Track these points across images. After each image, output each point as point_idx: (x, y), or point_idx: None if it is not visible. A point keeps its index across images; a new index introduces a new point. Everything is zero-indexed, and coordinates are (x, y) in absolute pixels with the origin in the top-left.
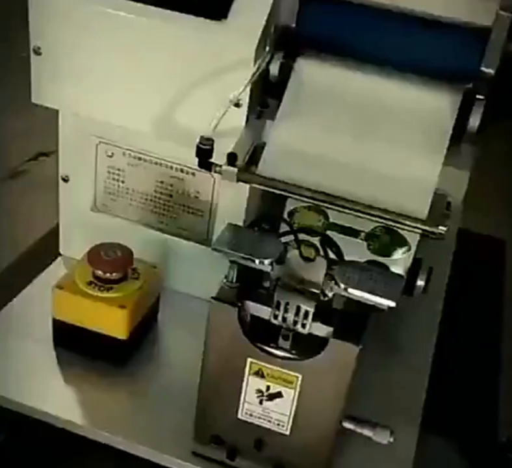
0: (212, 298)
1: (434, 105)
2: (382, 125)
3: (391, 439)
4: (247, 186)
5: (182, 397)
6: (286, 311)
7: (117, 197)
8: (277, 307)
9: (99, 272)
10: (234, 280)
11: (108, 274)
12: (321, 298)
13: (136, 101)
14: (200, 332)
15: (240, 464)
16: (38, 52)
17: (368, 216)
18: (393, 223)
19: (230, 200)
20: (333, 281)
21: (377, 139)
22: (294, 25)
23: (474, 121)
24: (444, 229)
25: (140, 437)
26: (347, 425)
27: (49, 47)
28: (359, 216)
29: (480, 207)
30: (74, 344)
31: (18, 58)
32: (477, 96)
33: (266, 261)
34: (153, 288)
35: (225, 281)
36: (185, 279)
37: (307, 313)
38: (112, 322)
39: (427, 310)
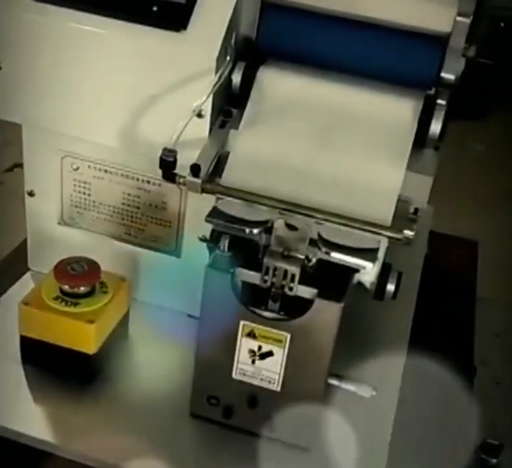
0: (208, 265)
1: (396, 111)
2: (345, 132)
3: (374, 393)
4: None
5: (153, 411)
6: (274, 275)
7: (84, 210)
8: (266, 272)
9: (66, 287)
10: (226, 250)
11: (75, 289)
12: (306, 262)
13: (98, 113)
14: (171, 344)
15: (235, 422)
16: None
17: (333, 224)
18: (358, 231)
19: (198, 210)
20: (316, 247)
21: (340, 146)
22: (254, 35)
23: (436, 127)
24: (411, 233)
25: (110, 453)
26: (333, 381)
27: (9, 62)
28: (324, 224)
29: (453, 208)
30: (42, 361)
31: None
32: (439, 102)
33: (255, 230)
34: (122, 302)
35: (217, 251)
36: (155, 290)
37: (293, 277)
38: (80, 337)
39: (399, 313)
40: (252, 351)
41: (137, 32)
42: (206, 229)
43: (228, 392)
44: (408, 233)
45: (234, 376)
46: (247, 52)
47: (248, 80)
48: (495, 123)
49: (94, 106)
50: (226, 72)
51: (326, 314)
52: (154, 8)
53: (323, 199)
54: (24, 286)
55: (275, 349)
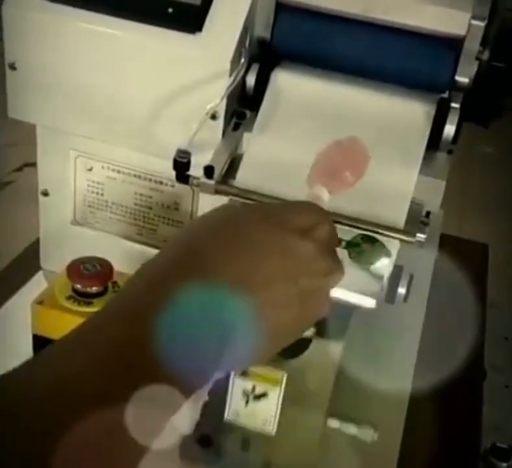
0: None
1: (409, 115)
2: (358, 135)
3: (375, 437)
4: (226, 197)
5: None
6: None
7: (97, 210)
8: None
9: (79, 286)
10: None
11: (87, 288)
12: None
13: (112, 114)
14: None
15: (227, 464)
16: (13, 67)
17: (345, 226)
18: (371, 233)
19: None
20: None
21: None
22: (269, 37)
23: (449, 130)
24: (423, 236)
25: None
26: (332, 424)
27: (24, 62)
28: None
29: (461, 211)
30: None
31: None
32: (452, 105)
33: None
34: None
35: None
36: None
37: None
38: None
39: (410, 316)
40: (246, 392)
41: (152, 34)
42: None
43: (220, 434)
44: (420, 235)
45: (226, 416)
46: (262, 54)
47: (262, 82)
48: (504, 126)
49: (108, 107)
50: (240, 74)
51: (325, 353)
52: (170, 10)
53: (336, 202)
54: (36, 285)
55: (270, 390)
